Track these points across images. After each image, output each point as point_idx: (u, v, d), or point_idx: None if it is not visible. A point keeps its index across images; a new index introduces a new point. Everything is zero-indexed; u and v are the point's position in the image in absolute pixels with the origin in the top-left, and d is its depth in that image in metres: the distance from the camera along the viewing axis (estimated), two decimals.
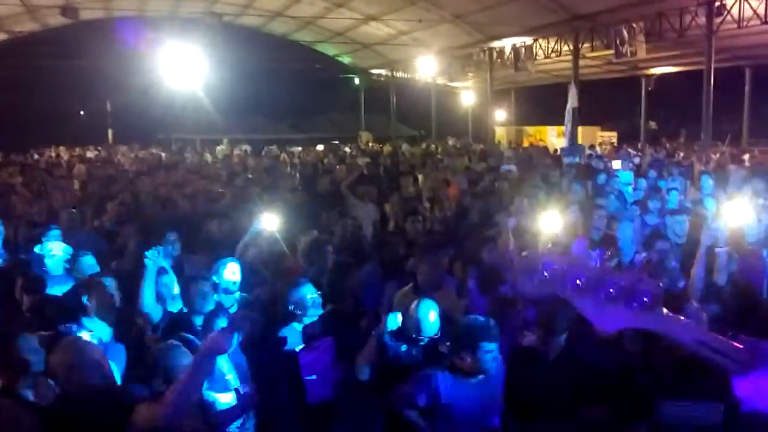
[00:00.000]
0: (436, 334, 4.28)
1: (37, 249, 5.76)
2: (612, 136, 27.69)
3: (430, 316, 4.20)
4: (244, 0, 24.01)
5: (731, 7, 14.57)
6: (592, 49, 19.25)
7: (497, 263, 5.72)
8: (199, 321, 4.46)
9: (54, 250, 5.65)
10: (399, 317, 4.29)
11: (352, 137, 29.65)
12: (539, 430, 3.92)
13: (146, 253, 4.71)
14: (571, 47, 19.21)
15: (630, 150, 18.98)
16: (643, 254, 6.37)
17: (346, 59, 32.05)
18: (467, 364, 3.71)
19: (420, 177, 11.34)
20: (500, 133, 28.54)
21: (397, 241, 6.85)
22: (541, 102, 29.36)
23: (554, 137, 26.51)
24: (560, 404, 3.85)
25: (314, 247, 6.06)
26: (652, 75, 25.17)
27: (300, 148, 21.61)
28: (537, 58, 21.47)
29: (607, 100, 27.34)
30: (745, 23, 14.81)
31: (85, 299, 4.38)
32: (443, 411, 3.72)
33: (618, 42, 17.70)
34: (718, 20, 14.53)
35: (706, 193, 9.06)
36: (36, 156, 20.04)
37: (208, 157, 18.49)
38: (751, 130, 23.09)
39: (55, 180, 11.49)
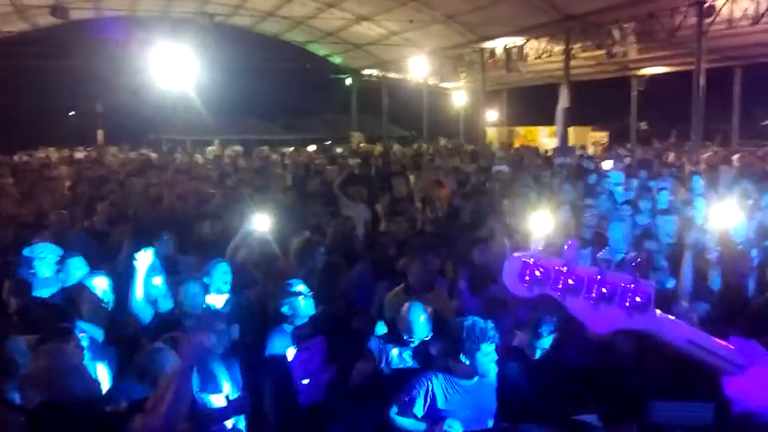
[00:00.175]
0: (426, 337, 4.27)
1: (26, 252, 5.71)
2: (603, 137, 27.76)
3: (420, 318, 4.19)
4: (235, 0, 23.95)
5: (721, 8, 14.65)
6: (584, 50, 19.31)
7: (488, 264, 5.73)
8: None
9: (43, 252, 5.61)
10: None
11: (343, 138, 29.59)
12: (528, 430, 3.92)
13: (135, 254, 4.69)
14: (563, 48, 19.26)
15: (621, 150, 19.05)
16: (633, 253, 6.40)
17: (337, 59, 32.00)
18: (465, 367, 3.70)
19: (412, 177, 11.33)
20: (492, 134, 28.56)
21: (388, 242, 6.84)
22: (532, 102, 29.38)
23: (546, 138, 26.57)
24: (549, 405, 3.86)
25: (306, 248, 6.05)
26: (643, 75, 25.22)
27: (292, 149, 21.54)
28: (528, 58, 21.50)
29: (598, 101, 27.38)
30: (735, 24, 14.89)
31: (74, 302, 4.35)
32: (439, 416, 3.71)
33: (609, 42, 17.77)
34: (708, 21, 14.60)
35: (696, 193, 9.10)
36: (25, 157, 19.89)
37: (199, 157, 18.41)
38: (741, 130, 23.22)
39: (45, 181, 11.41)
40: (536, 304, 4.00)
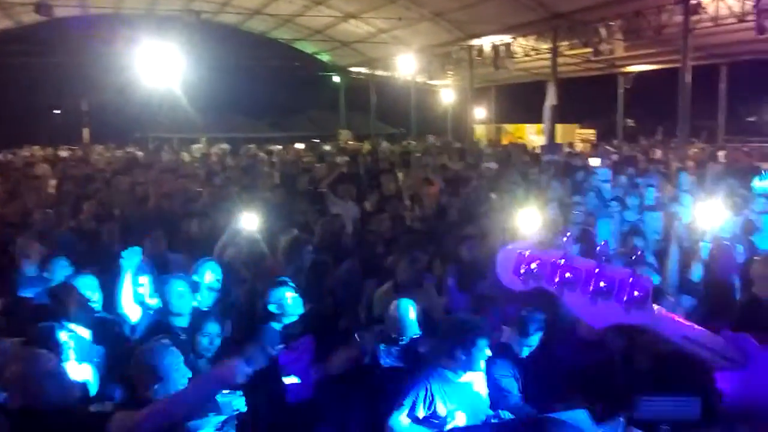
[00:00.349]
0: (415, 334, 4.26)
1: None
2: (590, 134, 27.92)
3: (409, 316, 4.18)
4: None
5: (707, 5, 14.74)
6: (571, 47, 19.39)
7: (476, 261, 5.74)
8: (177, 322, 4.41)
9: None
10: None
11: (331, 135, 29.56)
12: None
13: (122, 252, 4.66)
14: (550, 45, 19.33)
15: (608, 147, 19.15)
16: (621, 250, 6.43)
17: (325, 57, 31.94)
18: (460, 364, 3.70)
19: (400, 175, 11.32)
20: (480, 131, 28.64)
21: (376, 240, 6.84)
22: (520, 100, 29.47)
23: (533, 135, 26.67)
24: (536, 400, 3.87)
25: (293, 246, 6.03)
26: (630, 73, 25.38)
27: (280, 147, 21.48)
28: (516, 56, 21.56)
29: (585, 98, 27.53)
30: (720, 21, 15.00)
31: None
32: (440, 415, 3.70)
33: (596, 40, 17.84)
34: (694, 18, 14.69)
35: (682, 189, 9.16)
36: (10, 156, 19.70)
37: (186, 156, 18.30)
38: (727, 127, 23.41)
39: (29, 180, 11.30)
40: (525, 300, 4.01)
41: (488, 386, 3.90)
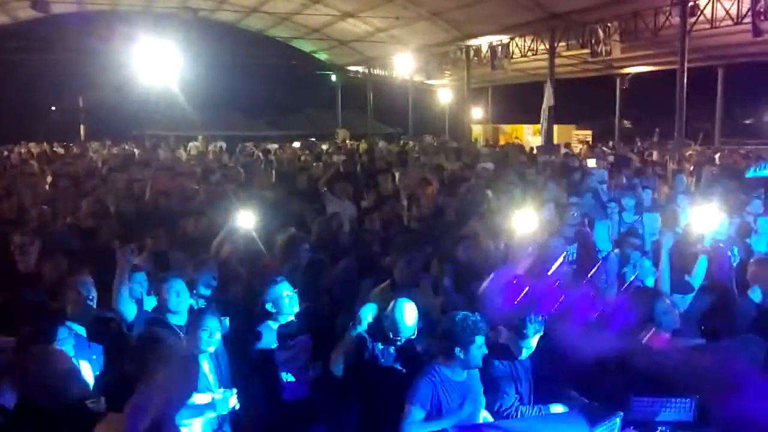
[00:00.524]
0: (413, 334, 4.27)
1: None
2: (587, 135, 27.97)
3: (407, 316, 4.19)
4: None
5: (704, 8, 14.79)
6: (568, 48, 19.43)
7: (473, 261, 5.75)
8: (174, 320, 4.41)
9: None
10: (369, 315, 4.27)
11: (328, 134, 29.55)
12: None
13: (119, 250, 4.65)
14: (547, 46, 19.35)
15: (605, 149, 19.19)
16: (616, 250, 6.46)
17: (322, 56, 31.93)
18: (459, 362, 3.72)
19: (397, 175, 11.32)
20: (477, 131, 28.65)
21: (372, 239, 6.84)
22: (517, 100, 29.52)
23: (530, 135, 26.69)
24: (533, 401, 3.89)
25: (290, 245, 6.03)
26: (627, 74, 25.45)
27: (276, 145, 21.46)
28: (513, 56, 21.59)
29: (582, 99, 27.59)
30: (717, 23, 15.05)
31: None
32: (438, 411, 3.72)
33: (593, 41, 17.89)
34: (691, 20, 14.74)
35: (679, 191, 9.19)
36: (5, 152, 19.64)
37: (182, 154, 18.26)
38: (723, 129, 23.48)
39: (25, 176, 11.27)
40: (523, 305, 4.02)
41: (485, 387, 3.92)
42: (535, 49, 20.44)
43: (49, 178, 11.49)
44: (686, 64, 14.88)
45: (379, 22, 22.85)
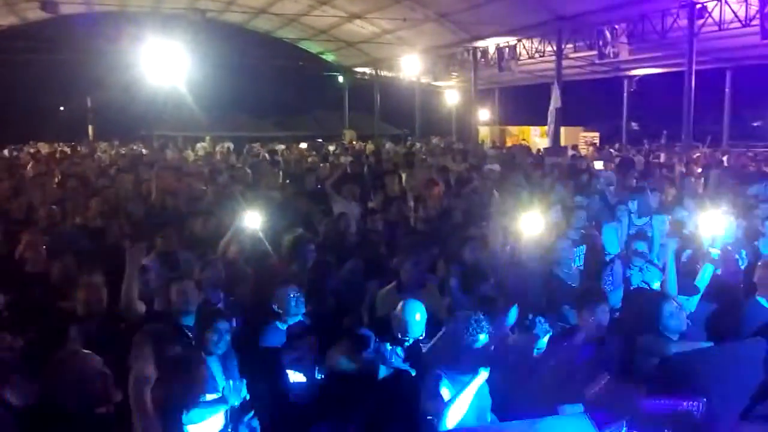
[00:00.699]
0: (421, 335, 4.27)
1: None
2: (594, 137, 27.90)
3: (416, 317, 4.19)
4: None
5: (712, 10, 14.74)
6: (575, 50, 19.38)
7: (479, 262, 5.75)
8: (183, 320, 4.43)
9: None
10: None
11: (335, 135, 29.58)
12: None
13: (128, 249, 4.67)
14: (555, 48, 19.31)
15: (612, 151, 19.13)
16: (624, 252, 6.45)
17: (330, 57, 31.96)
18: (465, 362, 3.73)
19: (404, 176, 11.33)
20: (484, 133, 28.60)
21: (378, 240, 6.85)
22: (524, 102, 29.47)
23: (537, 137, 26.62)
24: (540, 400, 3.88)
25: (297, 245, 6.05)
26: (634, 76, 25.37)
27: (283, 146, 21.51)
28: (520, 58, 21.55)
29: (589, 101, 27.54)
30: (725, 25, 14.99)
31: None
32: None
33: (601, 43, 17.84)
34: (699, 22, 14.69)
35: (687, 193, 9.15)
36: (15, 152, 19.74)
37: (190, 154, 18.32)
38: (731, 131, 23.38)
39: (34, 177, 11.32)
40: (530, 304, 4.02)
41: (490, 387, 3.92)
42: (542, 50, 20.40)
43: (57, 178, 11.54)
44: (694, 66, 14.84)
45: (386, 24, 22.86)
